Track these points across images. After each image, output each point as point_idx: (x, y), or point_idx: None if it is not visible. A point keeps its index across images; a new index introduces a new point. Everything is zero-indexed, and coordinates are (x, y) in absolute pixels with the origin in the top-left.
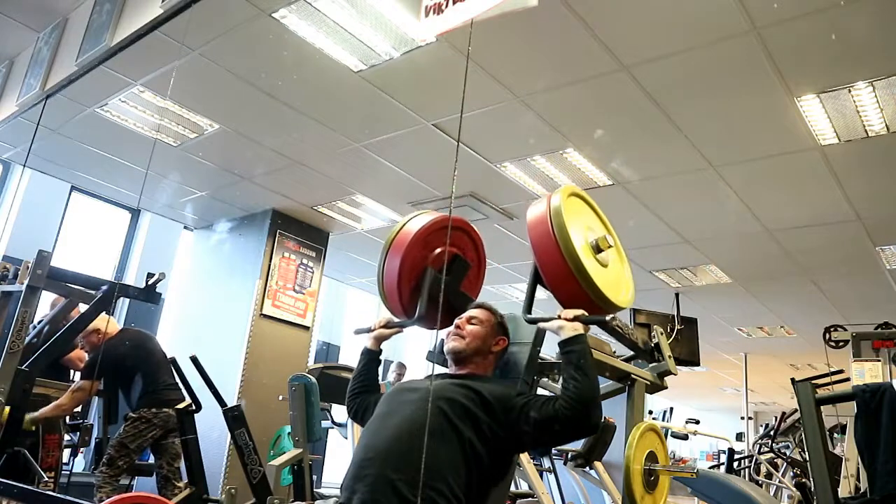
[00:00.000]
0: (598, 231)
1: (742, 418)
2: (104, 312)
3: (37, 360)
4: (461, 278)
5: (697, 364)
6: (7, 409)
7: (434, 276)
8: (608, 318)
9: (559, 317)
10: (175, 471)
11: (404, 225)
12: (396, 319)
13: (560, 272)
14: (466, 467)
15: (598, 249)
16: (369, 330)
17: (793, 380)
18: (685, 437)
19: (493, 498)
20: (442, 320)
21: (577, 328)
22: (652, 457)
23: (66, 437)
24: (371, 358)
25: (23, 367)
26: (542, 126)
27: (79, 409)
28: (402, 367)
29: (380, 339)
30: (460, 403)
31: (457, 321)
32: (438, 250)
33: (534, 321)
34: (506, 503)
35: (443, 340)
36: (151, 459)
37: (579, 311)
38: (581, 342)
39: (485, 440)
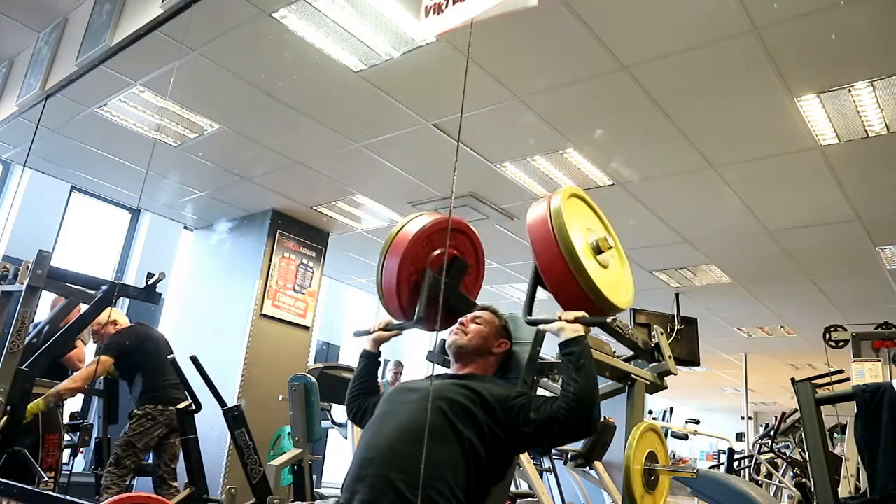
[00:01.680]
0: (598, 232)
1: (742, 418)
2: (113, 307)
3: (37, 360)
4: (460, 280)
5: (697, 364)
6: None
7: (433, 277)
8: (609, 319)
9: (559, 318)
10: (172, 471)
11: (403, 226)
12: (395, 321)
13: (560, 274)
14: (466, 467)
15: (598, 251)
16: (368, 332)
17: (793, 380)
18: (685, 437)
19: (493, 497)
20: (441, 322)
21: (578, 330)
22: (652, 457)
23: (66, 438)
24: (370, 360)
25: (23, 367)
26: (542, 126)
27: (78, 407)
28: (399, 366)
29: (379, 342)
30: (460, 404)
31: (461, 319)
32: (437, 252)
33: (534, 322)
34: (506, 503)
35: (443, 341)
36: (150, 459)
37: (580, 313)
38: (581, 343)
39: (484, 440)
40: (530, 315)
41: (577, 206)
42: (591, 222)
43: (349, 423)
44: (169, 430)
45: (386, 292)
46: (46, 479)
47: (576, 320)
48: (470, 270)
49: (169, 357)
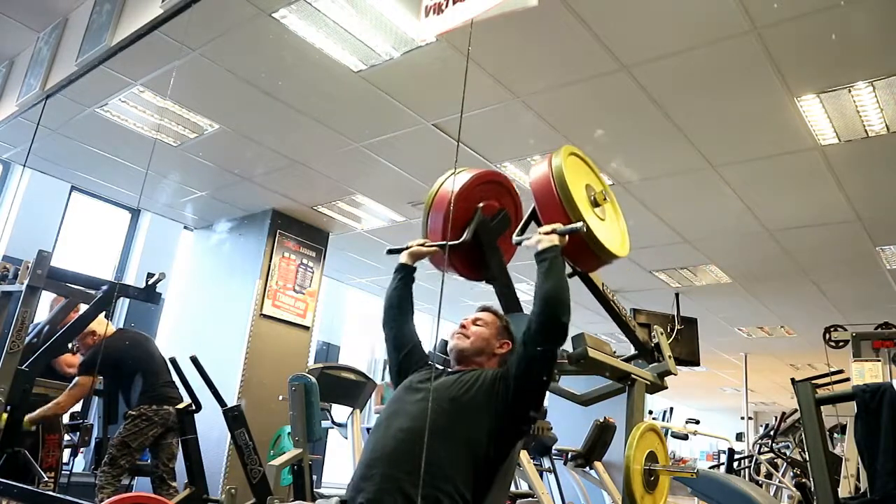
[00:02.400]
0: (595, 187)
1: (742, 418)
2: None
3: (37, 360)
4: (501, 232)
5: (697, 364)
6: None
7: (483, 217)
8: (579, 225)
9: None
10: (170, 471)
11: (461, 170)
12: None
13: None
14: (473, 464)
15: (596, 203)
16: (405, 248)
17: (793, 380)
18: (685, 437)
19: (494, 495)
20: (471, 269)
21: (553, 240)
22: (652, 457)
23: (66, 437)
24: (407, 273)
25: (23, 367)
26: (542, 126)
27: (78, 407)
28: None
29: (416, 256)
30: (462, 399)
31: (462, 321)
32: (492, 201)
33: (518, 242)
34: (506, 503)
35: (444, 341)
36: (148, 459)
37: (555, 225)
38: (553, 251)
39: (489, 428)
40: (521, 236)
41: (575, 164)
42: (588, 178)
43: (349, 422)
44: (164, 429)
45: (436, 204)
46: (46, 479)
47: (552, 231)
48: (510, 229)
49: (169, 357)
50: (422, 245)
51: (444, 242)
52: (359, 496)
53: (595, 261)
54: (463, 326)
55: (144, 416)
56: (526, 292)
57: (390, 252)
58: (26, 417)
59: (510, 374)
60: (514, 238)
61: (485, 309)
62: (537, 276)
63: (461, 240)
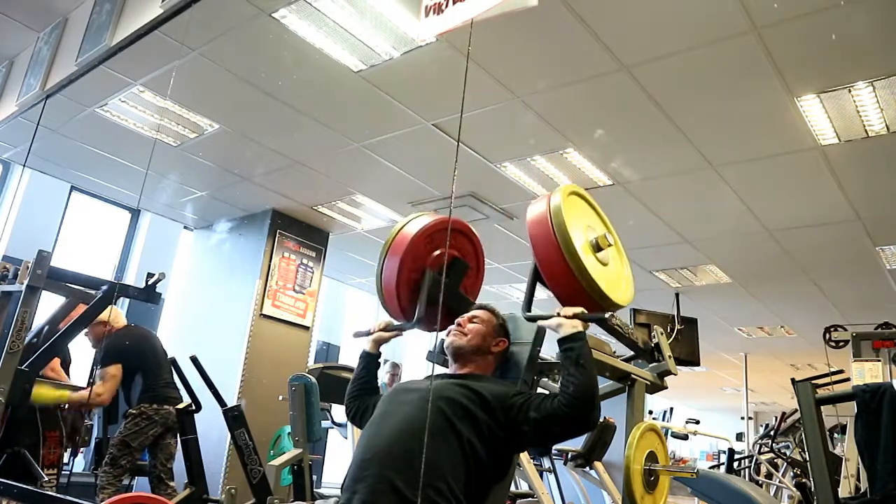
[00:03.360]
0: (597, 229)
1: (742, 418)
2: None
3: (37, 360)
4: (460, 280)
5: (697, 364)
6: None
7: (433, 277)
8: (607, 315)
9: (558, 314)
10: (168, 471)
11: (403, 226)
12: (396, 322)
13: (560, 270)
14: (466, 467)
15: (597, 248)
16: (368, 333)
17: (793, 380)
18: (685, 437)
19: (493, 497)
20: (441, 322)
21: (577, 325)
22: (652, 457)
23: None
24: (370, 361)
25: (23, 367)
26: (542, 126)
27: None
28: (395, 367)
29: (379, 342)
30: (460, 403)
31: (458, 319)
32: (438, 252)
33: (533, 319)
34: (506, 503)
35: (443, 340)
36: (147, 459)
37: (578, 309)
38: (580, 339)
39: (484, 440)
40: (529, 311)
41: (576, 204)
42: (590, 220)
43: (349, 423)
44: (164, 429)
45: (386, 292)
46: (46, 478)
47: (574, 316)
48: (470, 272)
49: (169, 357)
50: (384, 329)
51: (403, 324)
52: (353, 498)
53: (595, 308)
54: (459, 324)
55: (145, 414)
56: (520, 290)
57: (356, 336)
58: (69, 395)
59: (519, 419)
60: (526, 315)
61: (481, 307)
62: (563, 365)
63: (416, 318)
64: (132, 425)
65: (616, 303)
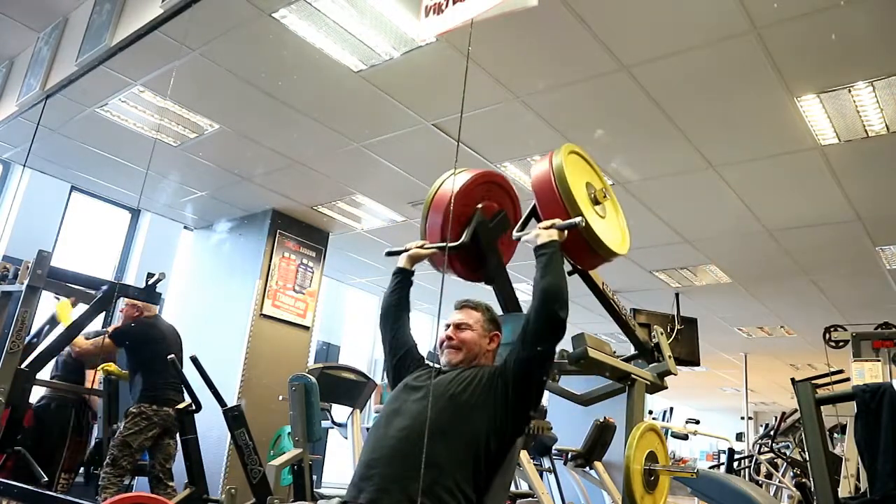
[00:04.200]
0: (596, 184)
1: (742, 418)
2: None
3: (37, 360)
4: (500, 233)
5: (697, 364)
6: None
7: (481, 217)
8: (578, 220)
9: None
10: (167, 471)
11: (460, 171)
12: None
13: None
14: (473, 462)
15: (596, 201)
16: (405, 250)
17: (793, 380)
18: (685, 437)
19: (496, 485)
20: (470, 270)
21: (552, 234)
22: (652, 457)
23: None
24: (404, 276)
25: (23, 367)
26: (542, 126)
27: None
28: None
29: (414, 259)
30: (462, 396)
31: (447, 331)
32: (490, 201)
33: (518, 237)
34: (506, 503)
35: (443, 341)
36: (146, 459)
37: (554, 220)
38: (552, 246)
39: (488, 425)
40: (521, 232)
41: (576, 162)
42: (589, 176)
43: (349, 422)
44: (163, 430)
45: (435, 204)
46: (62, 480)
47: (551, 226)
48: (508, 230)
49: (168, 357)
50: (420, 247)
51: (444, 244)
52: (360, 496)
53: (595, 258)
54: (449, 338)
55: (144, 414)
56: (526, 292)
57: (389, 254)
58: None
59: (508, 372)
60: (514, 234)
61: (464, 306)
62: (536, 271)
63: (460, 241)
64: (132, 425)
65: (614, 251)
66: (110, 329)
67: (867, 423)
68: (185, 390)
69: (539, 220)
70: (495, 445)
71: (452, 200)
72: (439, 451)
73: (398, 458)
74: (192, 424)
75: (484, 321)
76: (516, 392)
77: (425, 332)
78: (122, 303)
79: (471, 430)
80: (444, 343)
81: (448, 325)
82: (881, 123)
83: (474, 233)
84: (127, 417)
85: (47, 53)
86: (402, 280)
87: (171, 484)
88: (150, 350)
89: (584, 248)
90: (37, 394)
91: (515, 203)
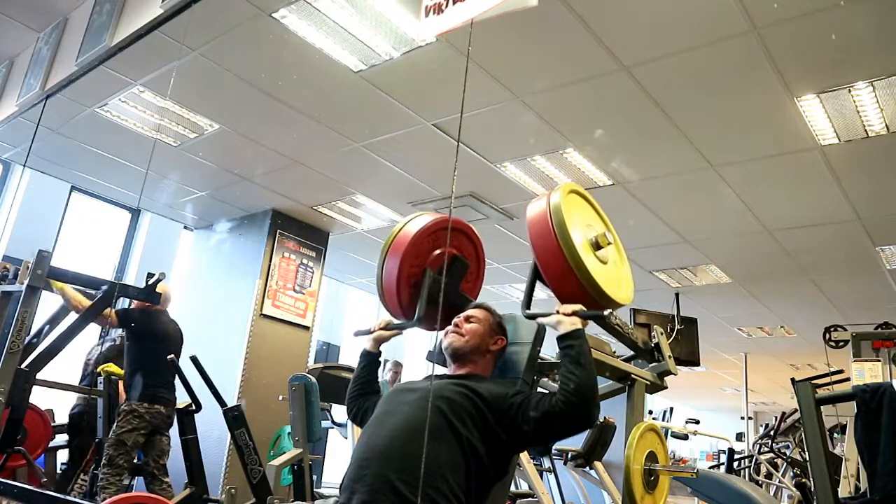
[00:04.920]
0: (597, 228)
1: (742, 418)
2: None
3: (37, 360)
4: (460, 279)
5: (697, 364)
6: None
7: (433, 277)
8: (605, 313)
9: (557, 311)
10: (161, 467)
11: (404, 226)
12: (396, 321)
13: (560, 269)
14: (466, 467)
15: (597, 246)
16: (368, 332)
17: (793, 380)
18: (685, 437)
19: (493, 497)
20: (441, 321)
21: (575, 323)
22: (652, 457)
23: (66, 438)
24: (371, 360)
25: (23, 367)
26: (542, 126)
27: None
28: (398, 366)
29: (379, 341)
30: (459, 403)
31: (455, 320)
32: (438, 251)
33: (532, 316)
34: (506, 503)
35: (443, 341)
36: (142, 457)
37: (577, 306)
38: (579, 337)
39: (484, 440)
40: (528, 309)
41: (576, 203)
42: (590, 218)
43: (349, 422)
44: (153, 428)
45: (386, 291)
46: (79, 482)
47: (573, 313)
48: (470, 271)
49: (169, 357)
50: (384, 328)
51: (404, 323)
52: (352, 497)
53: (595, 307)
54: (456, 325)
55: (136, 412)
56: (520, 290)
57: (357, 335)
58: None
59: (518, 418)
60: (524, 312)
61: (477, 306)
62: (562, 363)
63: (416, 318)
64: (124, 422)
65: (616, 301)
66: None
67: (867, 423)
68: (185, 389)
69: (542, 280)
70: (491, 454)
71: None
72: (433, 453)
73: (391, 457)
74: (192, 424)
75: (493, 323)
76: (518, 442)
77: (424, 337)
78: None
79: (466, 437)
80: (450, 330)
81: (459, 316)
82: (881, 123)
83: (431, 295)
84: (119, 416)
85: (47, 53)
86: (369, 364)
87: (166, 480)
88: (150, 343)
89: (583, 298)
90: (69, 402)
91: (477, 245)
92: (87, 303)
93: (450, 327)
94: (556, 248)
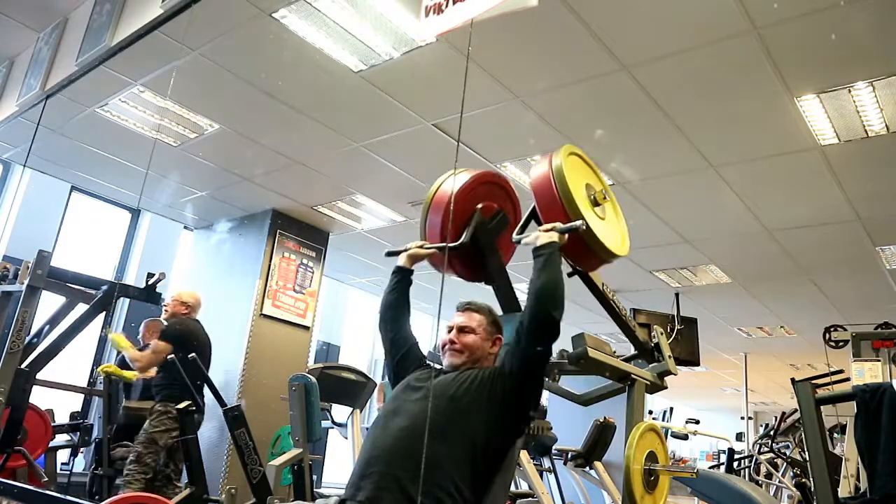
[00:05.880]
0: (595, 186)
1: (742, 418)
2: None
3: (37, 360)
4: (499, 232)
5: (697, 364)
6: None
7: (481, 217)
8: (578, 223)
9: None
10: (179, 471)
11: (461, 171)
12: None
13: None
14: (472, 462)
15: (595, 203)
16: (404, 250)
17: (793, 380)
18: (685, 437)
19: (495, 492)
20: (468, 271)
21: (552, 237)
22: (652, 457)
23: (66, 437)
24: (403, 275)
25: (23, 367)
26: (542, 126)
27: (78, 406)
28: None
29: (414, 259)
30: (462, 397)
31: (449, 335)
32: (489, 202)
33: (518, 240)
34: (506, 503)
35: (443, 342)
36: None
37: (555, 224)
38: (551, 248)
39: (487, 426)
40: (521, 234)
41: (576, 163)
42: (589, 177)
43: (349, 422)
44: (181, 431)
45: (435, 204)
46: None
47: (551, 229)
48: (509, 227)
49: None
50: (420, 247)
51: (443, 244)
52: (358, 494)
53: (595, 260)
54: (452, 342)
55: (170, 413)
56: (525, 292)
57: (389, 254)
58: (107, 367)
59: (506, 372)
60: (514, 236)
61: (467, 308)
62: (533, 272)
63: (459, 242)
64: (158, 423)
65: (613, 252)
66: (153, 327)
67: (867, 423)
68: (211, 391)
69: (539, 223)
70: (495, 446)
71: (452, 201)
72: (438, 451)
73: (397, 456)
74: (192, 424)
75: (487, 324)
76: (514, 392)
77: (426, 332)
78: (167, 297)
79: (470, 431)
80: (447, 346)
81: (450, 328)
82: (881, 123)
83: (474, 233)
84: (152, 415)
85: (47, 53)
86: (402, 279)
87: (179, 484)
88: (191, 350)
89: (583, 250)
90: (69, 403)
91: (515, 204)
92: (147, 360)
93: (447, 342)
94: (558, 205)
